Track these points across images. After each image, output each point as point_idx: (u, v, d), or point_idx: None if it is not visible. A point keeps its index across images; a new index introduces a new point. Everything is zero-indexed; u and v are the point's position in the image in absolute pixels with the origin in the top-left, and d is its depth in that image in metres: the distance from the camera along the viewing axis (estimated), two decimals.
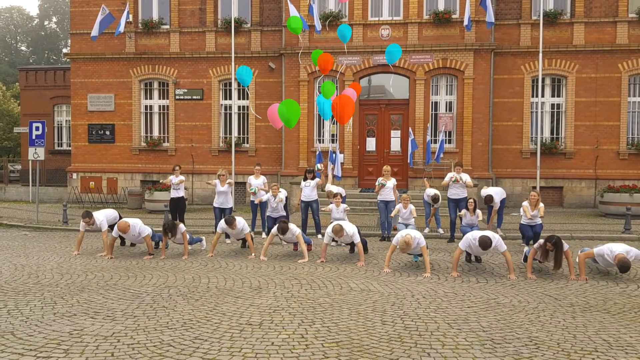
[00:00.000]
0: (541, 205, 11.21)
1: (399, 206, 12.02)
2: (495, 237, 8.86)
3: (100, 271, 8.82)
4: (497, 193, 13.38)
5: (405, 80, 18.87)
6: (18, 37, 58.86)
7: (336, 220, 11.99)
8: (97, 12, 18.37)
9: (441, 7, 18.50)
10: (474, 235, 8.93)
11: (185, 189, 15.88)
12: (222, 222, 10.46)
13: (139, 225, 10.17)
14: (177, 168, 13.47)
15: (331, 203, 12.53)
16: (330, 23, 18.60)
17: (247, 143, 19.87)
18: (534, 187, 12.49)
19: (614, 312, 6.77)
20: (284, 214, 12.71)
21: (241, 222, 10.48)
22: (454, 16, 18.29)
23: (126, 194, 19.24)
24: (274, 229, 10.14)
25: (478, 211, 11.35)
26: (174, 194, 13.32)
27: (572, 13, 18.53)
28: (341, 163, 17.97)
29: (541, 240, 9.01)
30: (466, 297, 7.39)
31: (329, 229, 9.92)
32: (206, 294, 7.27)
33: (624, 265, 8.22)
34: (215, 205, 12.72)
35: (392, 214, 12.29)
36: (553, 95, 18.97)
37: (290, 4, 17.00)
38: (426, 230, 13.78)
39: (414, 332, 5.76)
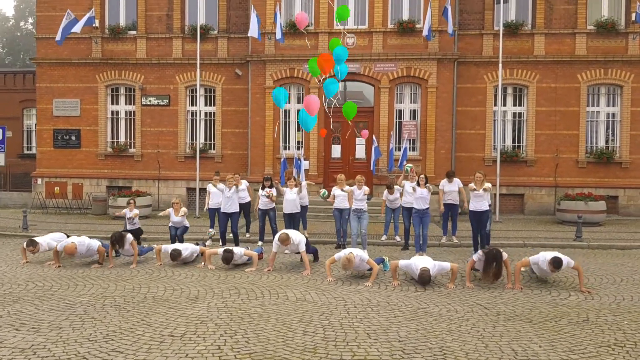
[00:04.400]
0: (487, 184, 11.61)
1: (352, 187, 12.33)
2: (435, 266, 9.00)
3: (42, 280, 8.88)
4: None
5: (370, 88, 19.11)
6: None
7: (289, 202, 12.62)
8: (63, 16, 18.33)
9: (405, 16, 18.76)
10: (417, 265, 9.02)
11: (139, 195, 15.59)
12: (168, 249, 10.50)
13: (86, 243, 10.13)
14: (131, 202, 12.76)
15: (286, 187, 13.03)
16: (296, 31, 18.75)
17: (214, 149, 19.95)
18: (478, 171, 12.62)
19: (535, 321, 7.00)
20: (237, 209, 12.83)
21: (187, 249, 10.55)
22: (417, 26, 18.53)
23: (91, 199, 19.19)
24: (220, 254, 10.18)
25: (429, 185, 11.67)
26: (129, 227, 12.47)
27: (533, 24, 18.91)
28: (306, 170, 18.14)
29: (480, 252, 9.25)
30: (397, 306, 7.58)
31: (276, 237, 10.06)
32: (140, 305, 7.38)
33: (556, 261, 8.53)
34: (170, 224, 12.61)
35: (346, 189, 12.53)
36: (515, 104, 19.34)
37: (253, 13, 17.14)
38: (383, 238, 14.02)
39: (331, 342, 5.93)
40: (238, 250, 10.26)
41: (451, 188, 13.47)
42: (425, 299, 8.05)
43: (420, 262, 9.05)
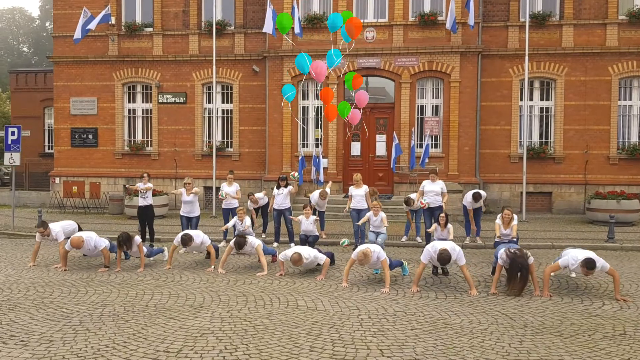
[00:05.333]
0: (514, 223, 10.53)
1: (369, 214, 11.62)
2: (455, 250, 8.50)
3: (44, 286, 8.53)
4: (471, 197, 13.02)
5: (390, 84, 18.51)
6: (20, 39, 59.01)
7: (305, 232, 11.70)
8: (80, 15, 18.12)
9: (427, 8, 18.09)
10: (434, 247, 8.58)
11: (155, 194, 15.49)
12: (178, 237, 10.13)
13: (94, 239, 9.81)
14: (145, 175, 13.10)
15: (301, 214, 12.21)
16: (314, 25, 18.28)
17: (231, 147, 19.58)
18: (506, 207, 11.80)
19: (566, 334, 6.40)
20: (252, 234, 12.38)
21: (199, 237, 10.17)
22: (440, 18, 17.87)
23: (108, 198, 18.99)
24: (232, 242, 9.82)
25: (449, 226, 10.80)
26: (141, 202, 12.88)
27: (561, 15, 18.08)
28: (324, 168, 17.64)
29: (504, 255, 8.62)
30: (415, 317, 7.03)
31: (288, 254, 9.48)
32: (139, 314, 6.95)
33: (588, 262, 7.83)
34: (181, 213, 12.48)
35: (360, 222, 11.92)
36: (542, 99, 18.54)
37: (269, 8, 16.67)
38: (404, 239, 13.49)
39: None
40: (252, 240, 9.84)
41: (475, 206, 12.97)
42: (445, 308, 7.49)
43: (439, 244, 8.59)
